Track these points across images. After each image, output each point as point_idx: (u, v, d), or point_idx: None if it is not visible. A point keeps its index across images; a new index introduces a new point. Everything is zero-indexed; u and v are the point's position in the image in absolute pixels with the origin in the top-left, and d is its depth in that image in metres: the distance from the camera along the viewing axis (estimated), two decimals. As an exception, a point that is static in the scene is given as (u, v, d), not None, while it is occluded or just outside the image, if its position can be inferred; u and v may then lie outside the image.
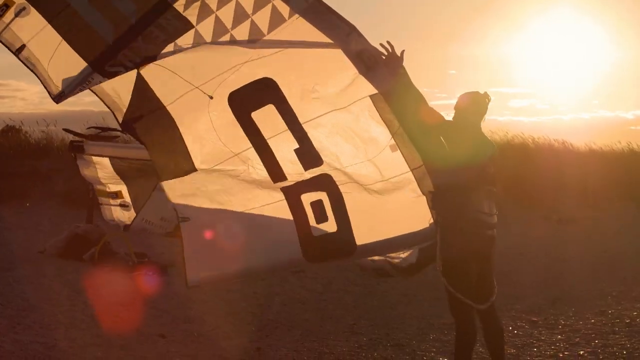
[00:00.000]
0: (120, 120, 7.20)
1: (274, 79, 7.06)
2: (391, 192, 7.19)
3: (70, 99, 6.78)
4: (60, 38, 6.78)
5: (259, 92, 7.11)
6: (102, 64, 6.65)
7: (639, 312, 11.05)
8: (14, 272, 12.40)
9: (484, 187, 7.08)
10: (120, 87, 7.10)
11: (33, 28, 6.88)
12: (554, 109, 58.56)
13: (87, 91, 6.80)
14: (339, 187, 7.25)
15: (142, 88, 7.05)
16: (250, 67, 7.02)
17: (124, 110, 7.15)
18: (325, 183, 7.25)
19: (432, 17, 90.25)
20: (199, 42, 6.88)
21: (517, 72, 70.36)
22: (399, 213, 7.25)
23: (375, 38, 7.19)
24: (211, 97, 7.08)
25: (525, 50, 69.54)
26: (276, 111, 7.12)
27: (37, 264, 13.26)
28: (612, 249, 17.84)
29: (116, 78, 6.79)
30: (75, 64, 6.70)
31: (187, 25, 6.87)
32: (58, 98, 6.67)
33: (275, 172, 7.30)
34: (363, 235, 7.31)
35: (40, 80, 6.74)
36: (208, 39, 6.90)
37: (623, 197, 23.90)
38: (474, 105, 7.20)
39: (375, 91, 6.90)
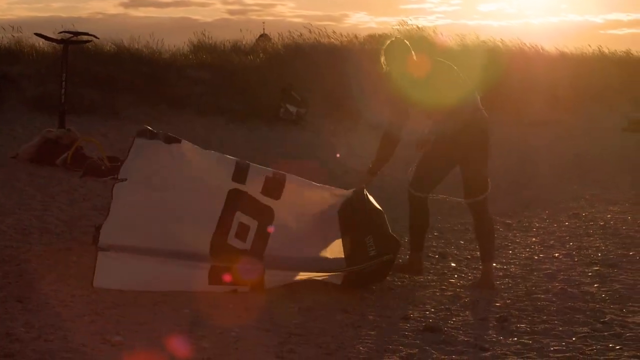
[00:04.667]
0: None
1: None
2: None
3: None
4: None
5: None
6: None
7: (612, 215, 11.19)
8: (-14, 177, 12.33)
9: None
10: None
11: None
12: (522, 13, 58.52)
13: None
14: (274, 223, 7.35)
15: None
16: None
17: None
18: (264, 215, 7.31)
19: None
20: None
21: (486, -26, 70.04)
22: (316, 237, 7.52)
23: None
24: None
25: (494, -51, 68.99)
26: None
27: (10, 169, 13.17)
28: (583, 152, 18.03)
29: None
30: None
31: None
32: None
33: (240, 173, 7.31)
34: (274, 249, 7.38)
35: None
36: None
37: (594, 101, 24.04)
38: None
39: None
